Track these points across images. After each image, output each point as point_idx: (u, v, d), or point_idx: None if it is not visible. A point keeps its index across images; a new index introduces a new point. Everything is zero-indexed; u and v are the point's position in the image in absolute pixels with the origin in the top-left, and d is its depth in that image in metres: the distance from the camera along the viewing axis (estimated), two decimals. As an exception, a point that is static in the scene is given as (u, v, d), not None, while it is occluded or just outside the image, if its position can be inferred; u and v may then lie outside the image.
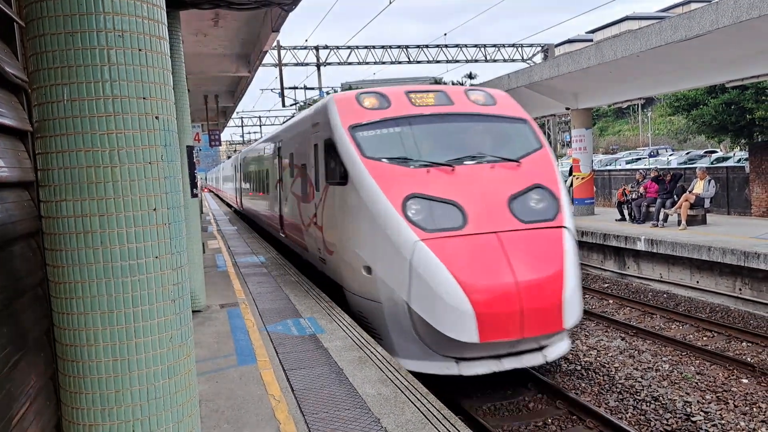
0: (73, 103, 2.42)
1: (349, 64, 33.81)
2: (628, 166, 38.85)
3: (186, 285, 2.72)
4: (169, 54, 2.68)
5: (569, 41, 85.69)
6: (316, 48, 33.65)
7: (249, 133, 69.73)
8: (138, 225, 2.50)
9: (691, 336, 12.26)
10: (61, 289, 2.50)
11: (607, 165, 42.03)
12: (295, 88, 35.27)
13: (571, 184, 24.65)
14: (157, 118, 2.56)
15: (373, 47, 33.57)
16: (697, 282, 15.91)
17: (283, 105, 33.53)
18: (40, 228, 2.83)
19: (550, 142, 21.02)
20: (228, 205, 53.63)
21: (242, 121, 66.46)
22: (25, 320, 2.69)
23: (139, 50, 2.50)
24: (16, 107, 2.85)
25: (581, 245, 18.36)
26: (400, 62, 34.59)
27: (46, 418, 2.76)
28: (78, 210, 2.45)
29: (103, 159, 2.44)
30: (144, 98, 2.51)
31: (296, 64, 32.73)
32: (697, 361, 10.79)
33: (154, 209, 2.55)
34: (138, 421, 2.52)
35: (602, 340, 12.26)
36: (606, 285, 17.38)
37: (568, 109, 24.51)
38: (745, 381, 9.86)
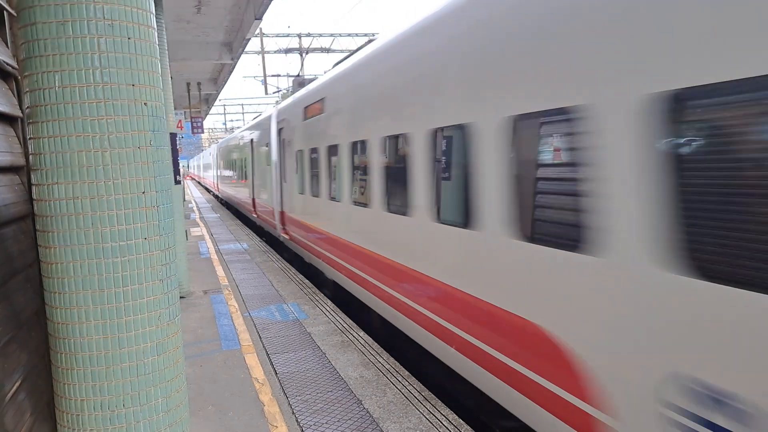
0: (64, 90, 2.50)
1: (332, 51, 33.71)
2: None
3: (174, 265, 2.83)
4: (157, 42, 2.77)
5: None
6: (299, 35, 33.49)
7: (232, 120, 69.26)
8: (128, 207, 2.60)
9: None
10: (52, 269, 2.59)
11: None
12: (278, 75, 35.10)
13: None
14: (145, 104, 2.65)
15: (356, 35, 33.51)
16: None
17: (266, 92, 33.37)
18: (32, 211, 2.92)
19: None
20: (207, 189, 53.30)
21: (225, 109, 66.02)
22: (18, 300, 2.78)
23: (128, 38, 2.59)
24: (7, 93, 2.92)
25: None
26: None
27: (38, 393, 2.85)
28: (69, 193, 2.54)
29: (93, 144, 2.53)
30: (133, 85, 2.60)
31: (278, 52, 32.57)
32: None
33: (143, 192, 2.64)
34: (128, 396, 2.63)
35: None
36: None
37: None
38: None
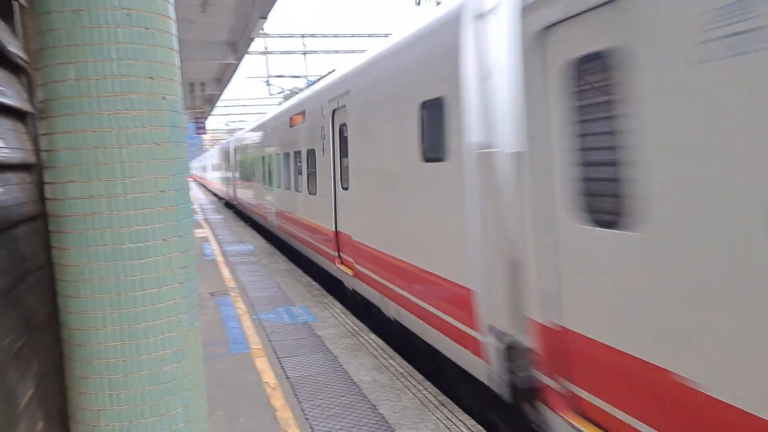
0: (79, 83, 2.37)
1: (336, 52, 33.61)
2: None
3: (193, 268, 2.69)
4: (176, 34, 2.64)
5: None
6: (302, 36, 33.41)
7: (234, 122, 69.11)
8: (146, 207, 2.46)
9: None
10: (67, 272, 2.46)
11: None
12: (281, 76, 35.02)
13: None
14: (164, 98, 2.52)
15: (360, 35, 33.43)
16: None
17: (270, 93, 33.29)
18: (43, 210, 2.79)
19: None
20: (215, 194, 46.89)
21: (227, 110, 65.89)
22: (29, 304, 2.64)
23: (146, 29, 2.45)
24: (18, 87, 2.79)
25: None
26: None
27: (50, 402, 2.72)
28: (85, 192, 2.40)
29: (110, 140, 2.40)
30: (151, 78, 2.47)
31: (282, 53, 32.47)
32: None
33: (162, 191, 2.51)
34: (147, 406, 2.49)
35: None
36: None
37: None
38: None
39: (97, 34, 2.36)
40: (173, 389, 2.55)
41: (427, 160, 6.13)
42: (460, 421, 5.31)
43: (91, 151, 2.39)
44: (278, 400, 5.87)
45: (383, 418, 5.41)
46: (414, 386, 6.06)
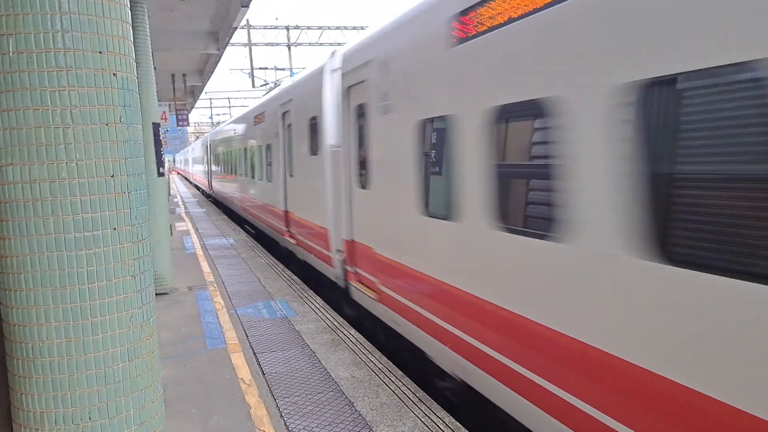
0: (19, 56, 2.17)
1: (321, 44, 33.31)
2: None
3: (148, 260, 2.50)
4: (129, 6, 2.44)
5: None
6: (287, 28, 33.06)
7: (218, 114, 68.51)
8: (94, 193, 2.27)
9: None
10: (7, 263, 2.26)
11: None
12: (265, 68, 34.63)
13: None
14: (114, 74, 2.32)
15: (345, 28, 33.15)
16: None
17: (253, 85, 32.90)
18: (-14, 197, 2.58)
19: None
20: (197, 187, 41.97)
21: (211, 102, 65.31)
22: (-31, 298, 2.45)
23: (95, -1, 2.26)
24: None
25: None
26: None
27: (-7, 404, 2.53)
28: (26, 175, 2.20)
29: (53, 119, 2.20)
30: (100, 52, 2.27)
31: (266, 44, 32.14)
32: None
33: (112, 176, 2.31)
34: (95, 408, 2.31)
35: None
36: None
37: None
38: None
39: (39, 2, 2.16)
40: (125, 390, 2.36)
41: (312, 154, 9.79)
42: (439, 418, 5.15)
43: (33, 130, 2.19)
44: (253, 397, 5.69)
45: (360, 415, 5.24)
46: (393, 382, 5.90)
